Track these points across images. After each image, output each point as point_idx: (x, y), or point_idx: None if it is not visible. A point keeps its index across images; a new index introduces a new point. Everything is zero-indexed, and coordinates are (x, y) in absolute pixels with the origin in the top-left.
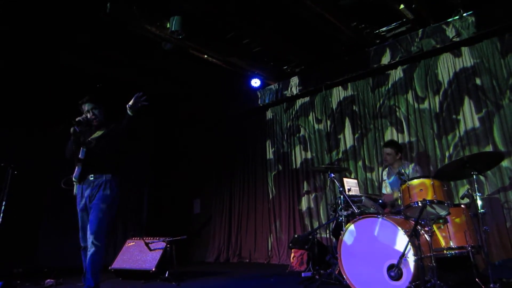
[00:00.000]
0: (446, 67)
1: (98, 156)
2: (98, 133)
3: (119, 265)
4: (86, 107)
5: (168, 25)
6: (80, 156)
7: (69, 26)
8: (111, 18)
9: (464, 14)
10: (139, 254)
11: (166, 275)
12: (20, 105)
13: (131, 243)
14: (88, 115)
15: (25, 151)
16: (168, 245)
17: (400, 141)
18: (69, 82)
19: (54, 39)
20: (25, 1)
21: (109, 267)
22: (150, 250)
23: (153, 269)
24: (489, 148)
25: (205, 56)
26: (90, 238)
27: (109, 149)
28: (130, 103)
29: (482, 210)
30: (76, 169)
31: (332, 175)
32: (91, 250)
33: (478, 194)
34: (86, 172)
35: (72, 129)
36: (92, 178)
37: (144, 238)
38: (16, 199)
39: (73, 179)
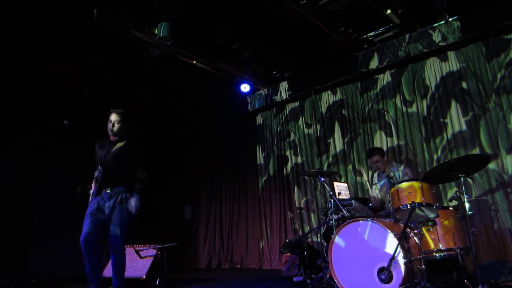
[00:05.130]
0: (433, 71)
1: (114, 172)
2: (118, 145)
3: (109, 273)
4: (113, 117)
5: (156, 31)
6: (96, 174)
7: (55, 34)
8: (98, 25)
9: (450, 19)
10: (130, 261)
11: (157, 282)
12: (7, 115)
13: None
14: (109, 125)
15: (14, 162)
16: (159, 252)
17: (389, 145)
18: (56, 91)
19: (39, 48)
20: (7, 10)
21: None
22: (141, 257)
23: (144, 277)
24: (476, 151)
25: (194, 62)
26: (112, 246)
27: (124, 166)
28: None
29: (470, 212)
30: (93, 186)
31: (322, 179)
32: (113, 256)
33: (466, 197)
34: (103, 186)
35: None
36: (109, 191)
37: (135, 246)
38: (5, 209)
39: (91, 194)
